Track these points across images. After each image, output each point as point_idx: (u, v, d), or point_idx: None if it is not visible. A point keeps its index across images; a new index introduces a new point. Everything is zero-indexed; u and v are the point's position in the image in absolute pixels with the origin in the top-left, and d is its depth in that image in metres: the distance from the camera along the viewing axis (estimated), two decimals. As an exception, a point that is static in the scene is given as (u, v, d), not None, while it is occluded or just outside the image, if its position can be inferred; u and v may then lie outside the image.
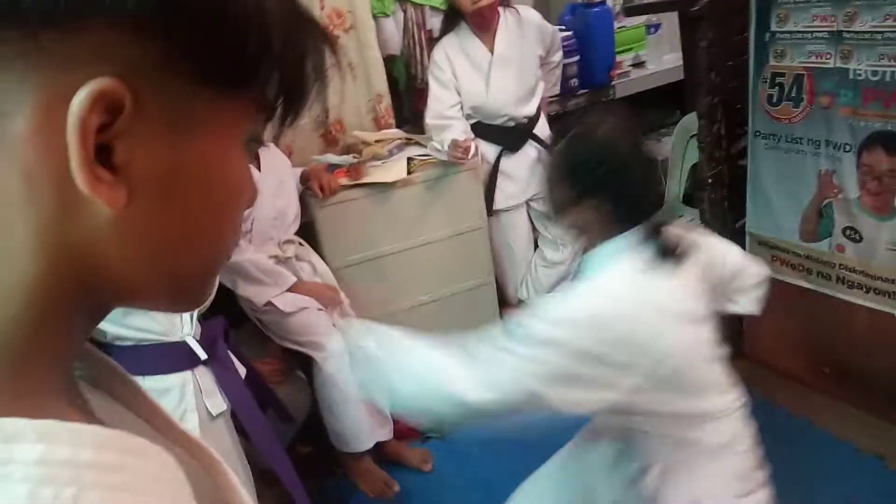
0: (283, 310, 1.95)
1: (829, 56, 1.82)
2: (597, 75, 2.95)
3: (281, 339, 2.00)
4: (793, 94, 1.94)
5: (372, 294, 2.31)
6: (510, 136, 2.44)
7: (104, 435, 0.28)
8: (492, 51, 2.35)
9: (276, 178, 2.08)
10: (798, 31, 1.88)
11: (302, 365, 2.07)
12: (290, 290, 1.99)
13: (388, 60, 2.64)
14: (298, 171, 2.22)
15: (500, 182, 2.45)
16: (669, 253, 1.08)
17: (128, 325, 1.32)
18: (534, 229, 2.61)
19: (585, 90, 2.96)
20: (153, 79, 0.29)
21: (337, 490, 2.13)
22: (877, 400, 2.05)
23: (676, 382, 1.07)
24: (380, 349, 1.12)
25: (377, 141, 2.43)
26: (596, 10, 2.91)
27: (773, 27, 1.93)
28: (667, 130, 3.16)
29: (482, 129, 2.42)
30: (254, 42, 0.32)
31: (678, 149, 2.79)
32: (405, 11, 2.63)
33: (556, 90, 2.79)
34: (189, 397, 1.37)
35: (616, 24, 3.02)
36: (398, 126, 2.66)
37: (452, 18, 2.36)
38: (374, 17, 2.54)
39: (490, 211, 2.45)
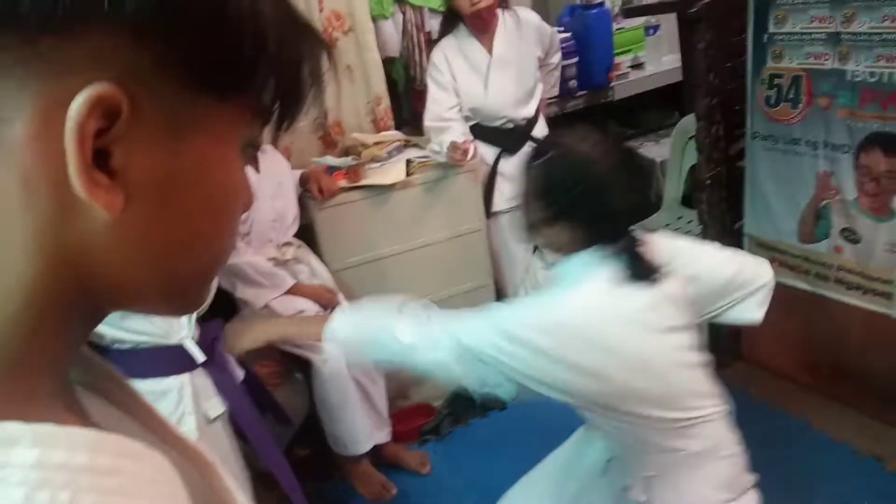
0: (282, 312, 1.96)
1: (827, 57, 1.83)
2: (595, 77, 2.95)
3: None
4: (791, 96, 1.94)
5: (371, 296, 2.31)
6: (509, 137, 2.44)
7: (100, 438, 0.28)
8: (490, 52, 2.36)
9: (274, 180, 2.08)
10: (796, 33, 1.88)
11: (300, 367, 2.07)
12: (288, 292, 1.99)
13: (387, 62, 2.64)
14: (297, 173, 2.23)
15: (499, 184, 2.46)
16: (642, 266, 1.09)
17: (126, 327, 1.32)
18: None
19: (584, 91, 2.97)
20: (150, 84, 0.29)
21: (335, 493, 2.13)
22: (874, 401, 2.05)
23: (650, 389, 1.07)
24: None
25: (376, 143, 2.44)
26: (594, 11, 2.92)
27: (772, 28, 1.94)
28: (665, 132, 3.16)
29: (481, 131, 2.43)
30: (250, 48, 0.32)
31: (677, 150, 2.80)
32: (404, 13, 2.64)
33: (555, 92, 2.79)
34: (187, 400, 1.36)
35: (615, 26, 3.03)
36: (397, 128, 2.66)
37: (451, 20, 2.36)
38: (373, 19, 2.54)
39: (489, 213, 2.45)
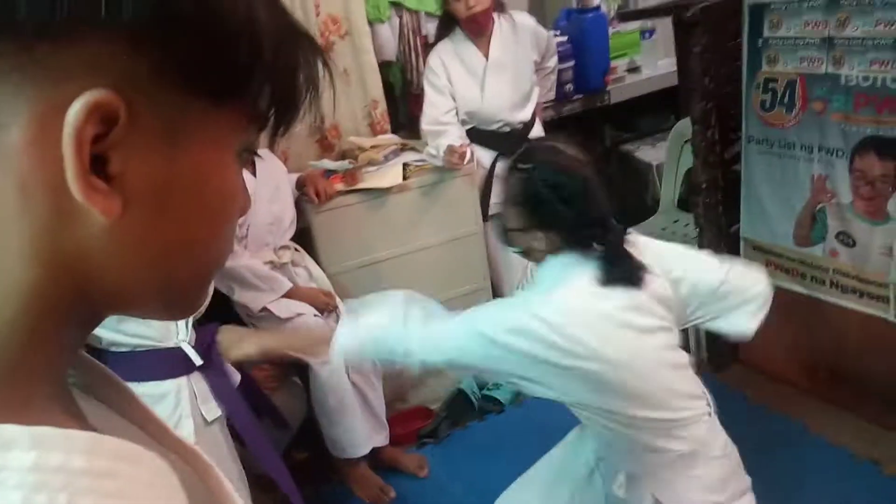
0: (279, 315, 1.95)
1: (821, 62, 1.83)
2: (592, 80, 2.96)
3: (277, 345, 2.00)
4: (786, 100, 1.95)
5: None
6: (506, 141, 2.44)
7: (97, 441, 0.29)
8: (486, 56, 2.36)
9: (271, 183, 2.09)
10: (790, 37, 1.89)
11: (298, 371, 2.07)
12: (285, 295, 1.99)
13: (384, 66, 2.65)
14: (294, 176, 2.23)
15: (496, 187, 2.46)
16: (624, 267, 1.10)
17: (123, 331, 1.32)
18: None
19: (580, 95, 2.98)
20: (147, 90, 0.29)
21: (333, 496, 2.13)
22: (871, 405, 2.06)
23: (634, 389, 1.08)
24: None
25: (373, 146, 2.44)
26: (590, 15, 2.92)
27: (766, 33, 1.95)
28: (662, 135, 3.17)
29: (477, 135, 2.43)
30: (245, 55, 0.32)
31: (673, 154, 2.81)
32: (400, 17, 2.65)
33: (552, 95, 2.80)
34: (184, 403, 1.37)
35: (611, 30, 3.04)
36: (394, 131, 2.66)
37: (447, 24, 2.37)
38: (370, 22, 2.55)
39: (485, 216, 2.45)
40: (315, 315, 2.02)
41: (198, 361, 1.40)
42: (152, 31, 0.28)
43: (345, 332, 1.19)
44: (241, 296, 1.94)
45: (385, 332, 1.15)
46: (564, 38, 2.86)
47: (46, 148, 0.27)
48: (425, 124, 2.39)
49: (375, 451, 2.11)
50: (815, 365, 2.21)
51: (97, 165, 0.28)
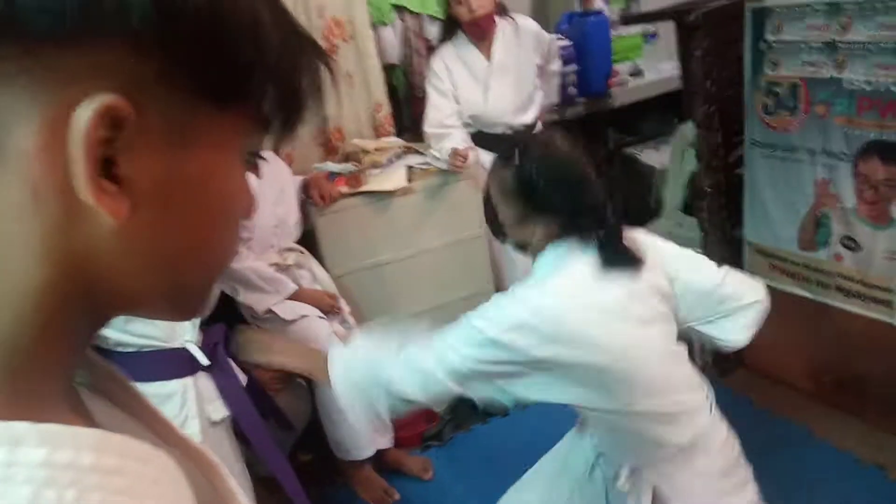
0: (284, 317, 1.96)
1: (824, 66, 1.83)
2: (594, 84, 2.96)
3: (281, 347, 2.00)
4: (789, 104, 1.95)
5: (372, 302, 2.32)
6: (509, 144, 2.45)
7: (106, 438, 0.29)
8: (489, 60, 2.37)
9: (276, 186, 2.09)
10: (793, 41, 1.89)
11: (302, 373, 2.08)
12: (290, 297, 2.00)
13: (388, 69, 2.66)
14: (299, 179, 2.24)
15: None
16: (620, 255, 1.10)
17: (130, 331, 1.33)
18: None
19: (583, 98, 2.98)
20: (154, 94, 0.30)
21: (337, 498, 2.13)
22: (876, 409, 2.05)
23: (633, 380, 1.08)
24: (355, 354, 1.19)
25: (377, 149, 2.45)
26: (593, 18, 2.93)
27: (769, 37, 1.95)
28: (665, 139, 3.17)
29: (481, 138, 2.44)
30: (250, 59, 0.33)
31: (676, 157, 2.80)
32: (404, 20, 2.65)
33: (555, 99, 2.80)
34: (190, 403, 1.37)
35: (613, 33, 3.04)
36: (397, 134, 2.67)
37: (450, 28, 2.38)
38: (373, 26, 2.56)
39: (489, 219, 2.46)
40: (319, 317, 2.02)
41: (204, 362, 1.40)
42: (159, 36, 0.29)
43: (341, 360, 1.18)
44: (245, 297, 1.95)
45: (375, 359, 1.14)
46: (567, 42, 2.86)
47: (56, 151, 0.27)
48: (429, 127, 2.39)
49: (380, 454, 2.11)
50: (819, 369, 2.20)
51: (105, 168, 0.29)
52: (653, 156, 3.22)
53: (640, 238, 1.19)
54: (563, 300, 1.06)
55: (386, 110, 2.64)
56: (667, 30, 3.04)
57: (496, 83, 2.37)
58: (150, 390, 1.31)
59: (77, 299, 0.31)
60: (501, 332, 1.05)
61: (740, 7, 1.99)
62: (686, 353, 1.19)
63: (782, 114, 1.97)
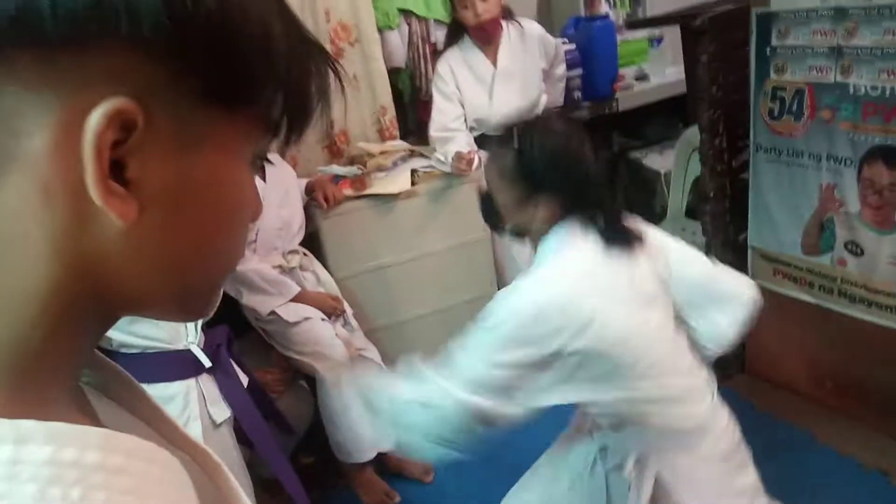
0: (287, 319, 1.96)
1: (829, 71, 1.83)
2: (600, 88, 2.97)
3: (284, 349, 2.00)
4: (794, 108, 1.95)
5: (375, 304, 2.32)
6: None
7: (111, 438, 0.29)
8: (495, 64, 2.37)
9: (281, 188, 2.10)
10: (798, 46, 1.89)
11: (304, 375, 2.08)
12: (293, 299, 2.00)
13: (393, 73, 2.66)
14: (303, 181, 2.24)
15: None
16: (620, 233, 1.11)
17: (134, 332, 1.33)
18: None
19: (588, 103, 2.98)
20: (164, 98, 0.30)
21: (339, 500, 2.13)
22: (880, 414, 2.04)
23: (637, 361, 1.08)
24: (367, 395, 1.16)
25: (381, 152, 2.45)
26: (599, 23, 2.93)
27: (774, 42, 1.95)
28: (669, 143, 3.17)
29: (485, 142, 2.44)
30: (259, 65, 0.33)
31: (681, 162, 2.80)
32: (410, 24, 2.66)
33: (560, 103, 2.81)
34: (193, 405, 1.37)
35: (619, 38, 3.04)
36: (402, 138, 2.68)
37: (456, 32, 2.38)
38: (380, 30, 2.56)
39: (493, 222, 2.46)
40: (322, 319, 2.02)
41: (207, 363, 1.41)
42: (171, 43, 0.29)
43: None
44: (249, 299, 1.95)
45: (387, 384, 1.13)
46: (573, 46, 2.86)
47: (67, 153, 0.28)
48: (434, 131, 2.40)
49: (381, 457, 2.11)
50: (822, 374, 2.20)
51: (115, 170, 0.29)
52: (657, 160, 3.21)
53: (638, 224, 1.20)
54: (571, 286, 1.06)
55: (391, 114, 2.65)
56: (672, 34, 3.04)
57: (501, 87, 2.37)
58: (153, 392, 1.29)
59: (85, 300, 0.31)
60: (517, 329, 1.05)
61: (746, 12, 1.99)
62: (686, 339, 1.20)
63: (787, 119, 1.97)
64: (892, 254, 1.84)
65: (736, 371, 2.41)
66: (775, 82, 1.98)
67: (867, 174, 1.82)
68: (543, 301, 1.05)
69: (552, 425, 1.46)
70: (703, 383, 1.19)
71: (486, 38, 2.33)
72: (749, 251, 2.22)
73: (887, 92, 1.71)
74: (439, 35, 2.64)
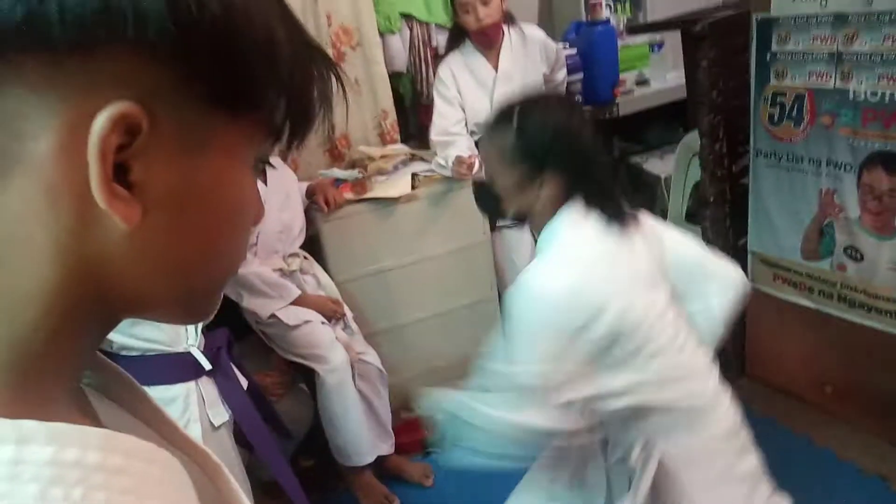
0: (288, 322, 1.97)
1: (829, 76, 1.84)
2: (601, 93, 2.97)
3: (284, 352, 2.01)
4: (794, 114, 1.95)
5: (375, 308, 2.32)
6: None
7: (112, 438, 0.30)
8: (496, 68, 2.38)
9: (282, 192, 2.10)
10: (798, 52, 1.89)
11: (304, 378, 2.08)
12: (294, 303, 2.00)
13: (394, 77, 2.67)
14: (304, 185, 2.25)
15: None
16: (622, 213, 1.13)
17: (134, 335, 1.33)
18: (536, 245, 2.62)
19: (589, 107, 2.98)
20: (169, 102, 0.30)
21: (338, 503, 2.13)
22: (879, 419, 2.04)
23: (647, 344, 1.10)
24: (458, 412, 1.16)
25: (382, 156, 2.46)
26: (600, 28, 2.93)
27: (774, 47, 1.95)
28: (670, 148, 3.17)
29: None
30: (263, 71, 0.33)
31: (681, 166, 2.80)
32: (411, 29, 2.67)
33: (560, 107, 2.81)
34: (193, 407, 1.38)
35: (620, 43, 3.04)
36: (403, 142, 2.68)
37: (457, 36, 2.39)
38: (381, 34, 2.57)
39: (493, 226, 2.46)
40: (323, 322, 2.03)
41: (207, 366, 1.41)
42: (175, 48, 0.29)
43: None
44: (249, 302, 1.96)
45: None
46: (573, 51, 2.87)
47: (72, 156, 0.28)
48: (434, 135, 2.40)
49: (381, 460, 2.11)
50: (822, 379, 2.20)
51: (119, 174, 0.29)
52: (658, 164, 3.21)
53: (639, 214, 1.22)
54: (588, 270, 1.07)
55: (392, 118, 2.65)
56: (673, 39, 3.05)
57: (502, 91, 2.37)
58: (153, 394, 1.29)
59: (88, 302, 0.31)
60: (546, 323, 1.05)
61: (746, 17, 2.00)
62: (685, 320, 1.21)
63: (787, 124, 1.98)
64: (892, 259, 1.84)
65: (736, 375, 2.41)
66: (775, 88, 1.98)
67: (867, 180, 1.83)
68: (564, 289, 1.05)
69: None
70: (707, 361, 1.21)
71: (488, 42, 2.34)
72: (749, 256, 2.22)
73: (887, 98, 1.72)
74: (440, 39, 2.64)
